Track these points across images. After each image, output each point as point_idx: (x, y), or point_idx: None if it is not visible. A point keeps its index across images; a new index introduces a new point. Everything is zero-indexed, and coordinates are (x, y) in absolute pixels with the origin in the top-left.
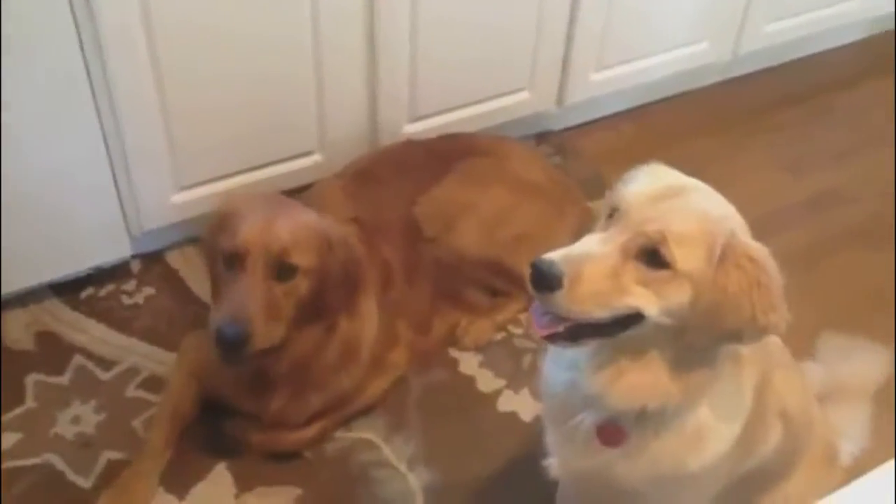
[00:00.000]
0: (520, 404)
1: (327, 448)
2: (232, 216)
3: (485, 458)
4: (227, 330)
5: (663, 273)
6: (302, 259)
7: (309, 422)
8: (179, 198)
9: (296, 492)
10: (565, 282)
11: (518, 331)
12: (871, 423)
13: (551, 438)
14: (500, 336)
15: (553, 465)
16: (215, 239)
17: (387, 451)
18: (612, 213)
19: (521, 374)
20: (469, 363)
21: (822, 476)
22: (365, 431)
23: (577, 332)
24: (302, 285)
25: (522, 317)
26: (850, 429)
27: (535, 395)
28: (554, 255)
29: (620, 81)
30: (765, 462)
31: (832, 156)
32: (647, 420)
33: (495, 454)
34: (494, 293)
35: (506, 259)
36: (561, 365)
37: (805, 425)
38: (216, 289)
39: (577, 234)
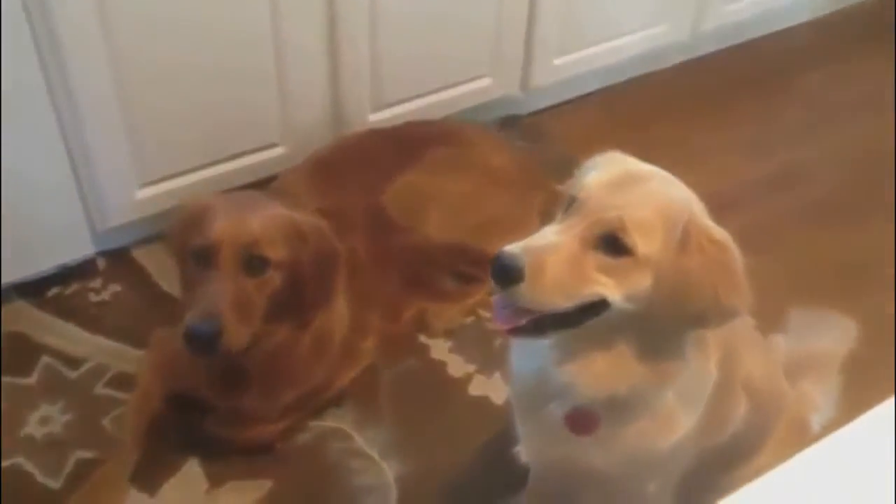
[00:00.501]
0: (491, 388)
1: (298, 439)
2: (201, 213)
3: (458, 444)
4: (199, 327)
5: (624, 260)
6: (273, 252)
7: (281, 415)
8: (143, 193)
9: (268, 485)
10: (527, 273)
11: (488, 315)
12: (839, 394)
13: (521, 427)
14: (469, 321)
15: (523, 452)
16: (184, 236)
17: (359, 440)
18: (571, 204)
19: (492, 358)
20: (440, 349)
21: (793, 449)
22: (336, 421)
23: (541, 323)
24: (275, 279)
25: (492, 300)
26: (820, 400)
27: (507, 379)
28: (514, 248)
29: (583, 65)
30: (733, 437)
31: (792, 134)
32: (618, 406)
33: (468, 439)
34: (463, 279)
35: (473, 245)
36: (528, 355)
37: (772, 398)
38: (186, 286)
39: (544, 218)
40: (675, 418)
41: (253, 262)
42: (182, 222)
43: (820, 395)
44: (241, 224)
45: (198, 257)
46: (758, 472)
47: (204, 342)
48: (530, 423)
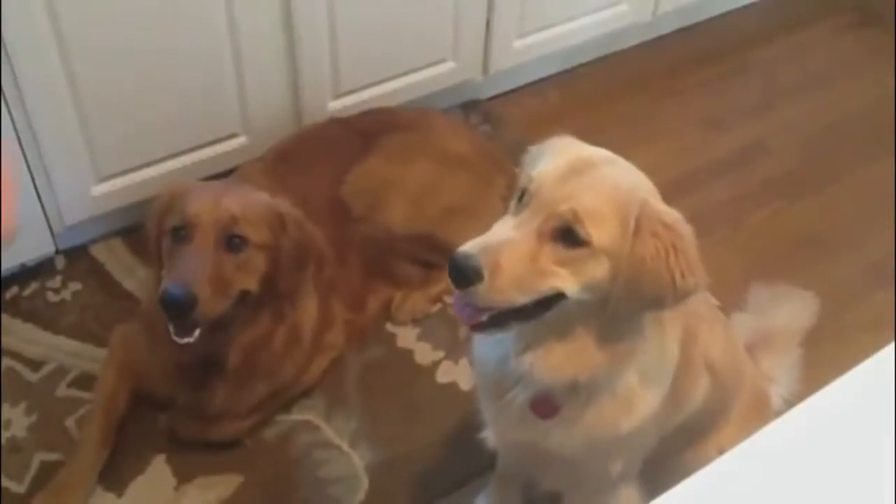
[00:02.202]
0: (459, 374)
1: (267, 433)
2: (180, 196)
3: (426, 431)
4: (173, 290)
5: (580, 251)
6: (253, 233)
7: (251, 411)
8: (100, 189)
9: (237, 479)
10: (485, 273)
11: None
12: (801, 367)
13: (487, 412)
14: (435, 308)
15: (490, 436)
16: (162, 219)
17: (328, 432)
18: (523, 195)
19: (459, 345)
20: (406, 337)
21: (755, 423)
22: (305, 413)
23: (501, 318)
24: (257, 261)
25: (453, 297)
26: (781, 374)
27: (472, 365)
28: (469, 248)
29: (543, 47)
30: (694, 415)
31: (750, 111)
32: (579, 391)
33: (437, 426)
34: (427, 266)
35: (436, 232)
36: (490, 343)
37: (733, 375)
38: (164, 264)
39: (506, 203)
40: (638, 400)
41: (232, 240)
42: (161, 206)
43: (781, 370)
44: (220, 201)
45: (177, 233)
46: (719, 449)
47: (178, 308)
48: (495, 408)
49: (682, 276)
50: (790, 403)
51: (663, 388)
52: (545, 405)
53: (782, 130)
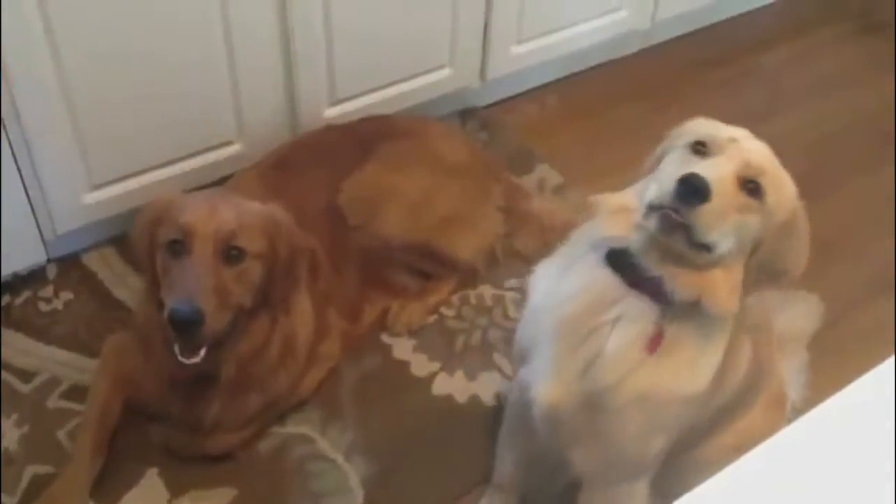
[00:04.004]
0: (454, 386)
1: (261, 446)
2: (171, 207)
3: (422, 444)
4: (181, 308)
5: (753, 203)
6: (250, 243)
7: (245, 423)
8: (92, 197)
9: (231, 493)
10: (713, 196)
11: (450, 312)
12: (808, 371)
13: (550, 366)
14: (432, 319)
15: (540, 396)
16: (153, 233)
17: (322, 444)
18: (699, 147)
19: (455, 356)
20: (402, 348)
21: (774, 417)
22: (299, 425)
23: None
24: (253, 270)
25: (454, 298)
26: (790, 378)
27: (470, 375)
28: (699, 171)
29: (542, 53)
30: (726, 400)
31: (750, 118)
32: (684, 325)
33: (432, 438)
34: (424, 276)
35: (433, 241)
36: (580, 275)
37: (767, 355)
38: (156, 284)
39: (504, 211)
40: (704, 363)
41: (230, 252)
42: (150, 218)
43: (789, 373)
44: (217, 213)
45: (172, 248)
46: (736, 436)
47: (187, 326)
48: (567, 353)
49: (803, 261)
50: (797, 409)
51: (718, 359)
52: (656, 336)
53: (784, 137)
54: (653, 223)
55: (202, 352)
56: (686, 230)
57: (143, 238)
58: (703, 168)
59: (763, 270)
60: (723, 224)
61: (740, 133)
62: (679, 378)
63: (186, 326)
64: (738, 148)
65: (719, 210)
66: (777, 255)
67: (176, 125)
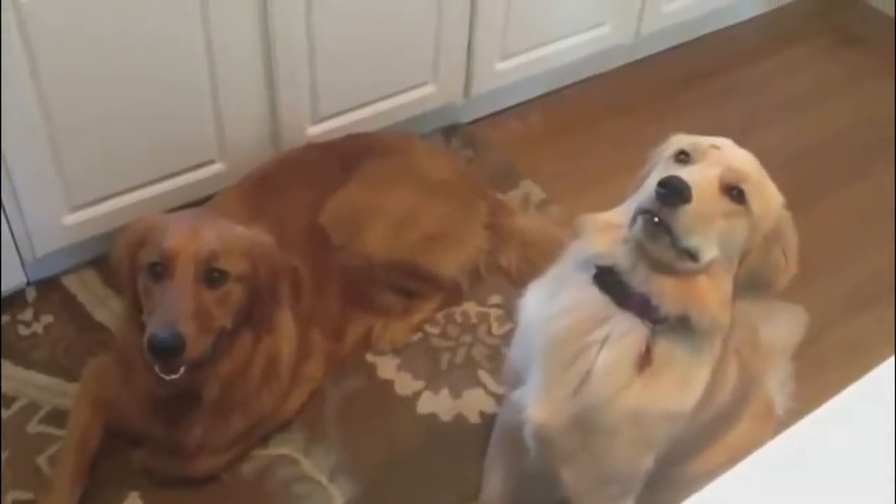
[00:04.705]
0: (439, 405)
1: (245, 468)
2: (152, 229)
3: (407, 463)
4: (161, 334)
5: (738, 208)
6: (232, 265)
7: (228, 445)
8: (73, 218)
9: None
10: (693, 197)
11: (435, 330)
12: (793, 383)
13: (541, 385)
14: (416, 337)
15: (531, 416)
16: (135, 255)
17: (306, 465)
18: (682, 157)
19: (440, 374)
20: (386, 367)
21: (761, 430)
22: (283, 447)
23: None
24: (235, 293)
25: (439, 316)
26: (775, 389)
27: (455, 393)
28: (681, 175)
29: (526, 69)
30: (713, 416)
31: (733, 133)
32: (674, 341)
33: (417, 458)
34: (408, 294)
35: (417, 260)
36: (564, 304)
37: (755, 367)
38: (137, 306)
39: (488, 228)
40: (695, 378)
41: (212, 275)
42: (131, 240)
43: (774, 385)
44: (198, 235)
45: (154, 271)
46: (726, 450)
47: (167, 352)
48: (557, 373)
49: (792, 269)
50: (782, 421)
51: (707, 374)
52: (646, 354)
53: (766, 150)
54: (638, 228)
55: (182, 369)
56: (670, 234)
57: (124, 260)
58: (684, 172)
59: (751, 281)
60: (706, 228)
61: (723, 141)
62: (670, 395)
63: (166, 352)
64: (721, 154)
65: (701, 212)
66: (765, 264)
67: (157, 145)
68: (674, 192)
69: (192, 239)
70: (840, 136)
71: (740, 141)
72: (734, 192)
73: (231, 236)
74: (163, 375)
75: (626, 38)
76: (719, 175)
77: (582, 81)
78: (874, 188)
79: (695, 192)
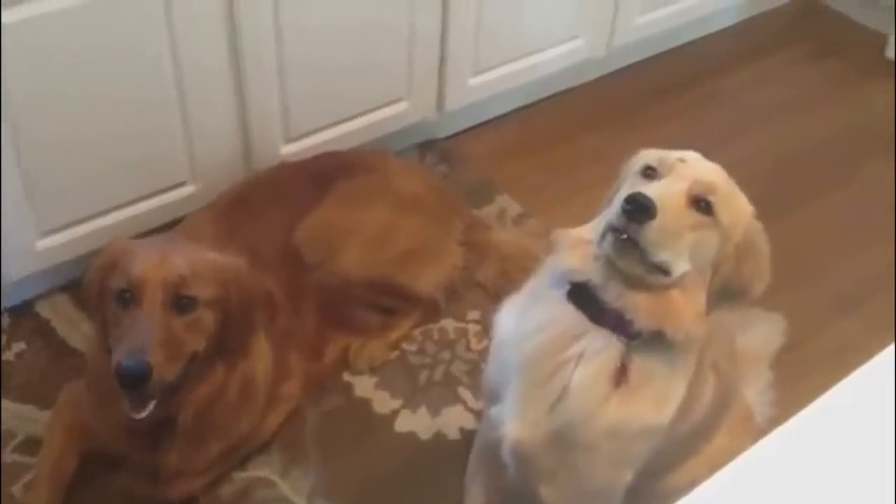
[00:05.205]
0: (417, 423)
1: (223, 490)
2: (122, 254)
3: (385, 483)
4: (127, 363)
5: (706, 219)
6: (201, 291)
7: (206, 469)
8: (45, 244)
9: None
10: (658, 212)
11: (412, 348)
12: (772, 390)
13: (517, 404)
14: (394, 355)
15: (509, 434)
16: (104, 280)
17: (284, 488)
18: (649, 171)
19: (418, 392)
20: (364, 386)
21: (741, 440)
22: (260, 469)
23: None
24: (206, 319)
25: (417, 333)
26: (753, 398)
27: (434, 410)
28: (645, 190)
29: (499, 84)
30: (690, 429)
31: (715, 140)
32: (650, 356)
33: (395, 477)
34: (385, 312)
35: (393, 277)
36: (539, 321)
37: (732, 377)
38: (108, 331)
39: (464, 244)
40: (673, 392)
41: (180, 301)
42: (100, 265)
43: (753, 393)
44: (166, 262)
45: (122, 297)
46: (707, 461)
47: (134, 380)
48: (533, 391)
49: (765, 279)
50: (763, 429)
51: (684, 388)
52: (622, 369)
53: (745, 160)
54: (607, 245)
55: (151, 405)
56: (639, 250)
57: (94, 286)
58: (651, 188)
59: (725, 292)
60: (675, 242)
61: (690, 155)
62: (647, 409)
63: (133, 381)
64: (688, 167)
65: (668, 227)
66: (738, 275)
67: (127, 167)
68: (639, 209)
69: (160, 265)
70: (818, 143)
71: (720, 151)
72: (702, 204)
73: (201, 261)
74: (132, 414)
75: (599, 50)
76: (686, 188)
77: (557, 94)
78: (854, 194)
79: (661, 207)
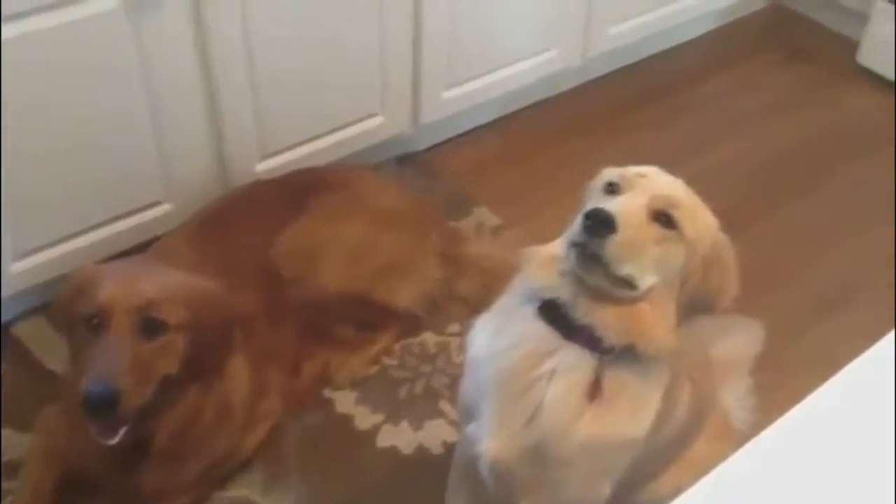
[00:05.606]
0: (399, 438)
1: None
2: (90, 280)
3: (368, 498)
4: (94, 390)
5: (670, 234)
6: (171, 315)
7: (185, 489)
8: (19, 266)
9: None
10: (619, 227)
11: (393, 362)
12: (752, 396)
13: (493, 419)
14: (374, 370)
15: (486, 450)
16: (72, 306)
17: None
18: (611, 188)
19: (399, 406)
20: (345, 401)
21: (720, 448)
22: (241, 488)
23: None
24: (176, 342)
25: (397, 347)
26: (733, 404)
27: (416, 424)
28: (604, 206)
29: (473, 97)
30: (667, 438)
31: (691, 148)
32: (623, 369)
33: (378, 492)
34: (364, 327)
35: (371, 291)
36: (512, 338)
37: (707, 386)
38: (76, 357)
39: (442, 257)
40: (649, 403)
41: (149, 325)
42: (68, 292)
43: (733, 400)
44: (133, 286)
45: (89, 322)
46: (688, 467)
47: (101, 407)
48: (508, 407)
49: (733, 290)
50: (745, 435)
51: (658, 399)
52: (595, 384)
53: (721, 167)
54: (572, 260)
55: (121, 431)
56: (603, 264)
57: (62, 313)
58: (611, 203)
59: (694, 304)
60: (638, 256)
61: (650, 170)
62: (622, 423)
63: (101, 407)
64: (648, 182)
65: (630, 241)
66: (705, 287)
67: (101, 188)
68: (599, 223)
69: (127, 290)
70: (793, 147)
71: (696, 158)
72: (663, 218)
73: (170, 284)
74: (101, 440)
75: (573, 61)
76: (646, 202)
77: (533, 105)
78: (830, 197)
79: (621, 221)
